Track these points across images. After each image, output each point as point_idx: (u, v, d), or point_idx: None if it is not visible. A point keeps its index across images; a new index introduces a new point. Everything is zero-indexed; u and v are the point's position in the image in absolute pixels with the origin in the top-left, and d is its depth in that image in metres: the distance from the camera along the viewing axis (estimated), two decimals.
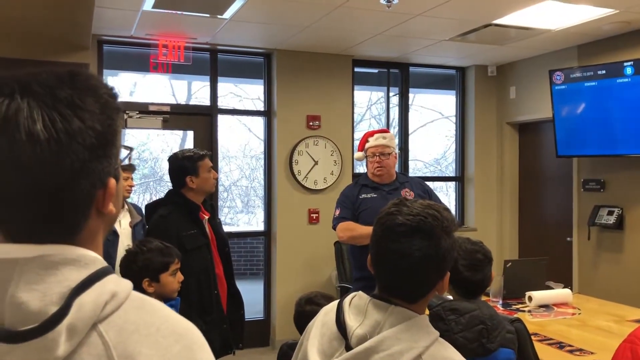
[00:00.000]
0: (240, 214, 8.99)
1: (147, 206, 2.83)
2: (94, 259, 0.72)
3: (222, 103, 5.47)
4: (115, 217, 0.78)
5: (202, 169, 2.73)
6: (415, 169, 6.81)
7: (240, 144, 7.61)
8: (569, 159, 5.12)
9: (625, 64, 4.35)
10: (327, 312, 1.37)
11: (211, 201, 2.92)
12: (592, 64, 4.72)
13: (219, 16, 4.21)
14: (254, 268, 7.68)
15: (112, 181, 0.74)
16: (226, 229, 8.55)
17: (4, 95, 0.68)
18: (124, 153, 3.86)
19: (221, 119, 5.36)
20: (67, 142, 0.68)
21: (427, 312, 1.91)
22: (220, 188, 8.71)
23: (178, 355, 0.71)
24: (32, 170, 0.67)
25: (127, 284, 0.73)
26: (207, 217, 2.78)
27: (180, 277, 2.26)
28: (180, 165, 2.72)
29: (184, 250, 2.52)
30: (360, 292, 1.36)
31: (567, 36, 4.76)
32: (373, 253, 1.37)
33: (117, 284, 0.72)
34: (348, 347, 1.27)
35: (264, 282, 5.49)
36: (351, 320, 1.29)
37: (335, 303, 1.38)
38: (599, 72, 4.53)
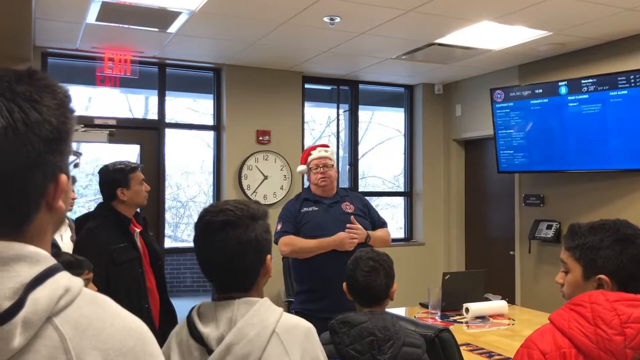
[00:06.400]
0: None
1: (77, 220, 2.78)
2: (45, 256, 0.73)
3: (179, 118, 5.44)
4: (63, 215, 0.80)
5: (133, 181, 2.69)
6: (374, 186, 6.87)
7: (198, 160, 7.55)
8: (512, 174, 5.27)
9: (560, 83, 4.53)
10: (178, 332, 1.45)
11: (144, 214, 2.89)
12: (531, 83, 4.90)
13: (164, 30, 4.21)
14: (206, 285, 7.57)
15: (64, 176, 0.77)
16: (182, 245, 8.31)
17: None
18: (71, 158, 3.79)
19: (179, 135, 5.31)
20: (25, 131, 0.71)
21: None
22: (177, 204, 8.60)
23: (132, 349, 0.74)
24: None
25: (79, 280, 0.76)
26: (138, 230, 2.75)
27: (93, 287, 2.21)
28: (111, 177, 2.69)
29: (114, 263, 2.49)
30: (203, 301, 1.46)
31: (508, 56, 4.93)
32: (200, 260, 1.47)
33: (69, 279, 0.74)
34: (210, 352, 1.35)
35: (212, 297, 5.41)
36: (206, 328, 1.38)
37: (181, 324, 1.46)
38: (537, 91, 4.70)
